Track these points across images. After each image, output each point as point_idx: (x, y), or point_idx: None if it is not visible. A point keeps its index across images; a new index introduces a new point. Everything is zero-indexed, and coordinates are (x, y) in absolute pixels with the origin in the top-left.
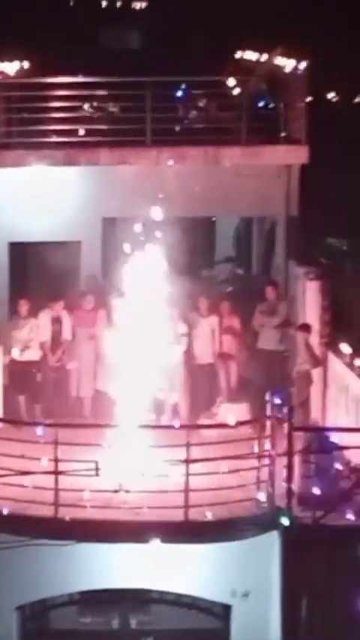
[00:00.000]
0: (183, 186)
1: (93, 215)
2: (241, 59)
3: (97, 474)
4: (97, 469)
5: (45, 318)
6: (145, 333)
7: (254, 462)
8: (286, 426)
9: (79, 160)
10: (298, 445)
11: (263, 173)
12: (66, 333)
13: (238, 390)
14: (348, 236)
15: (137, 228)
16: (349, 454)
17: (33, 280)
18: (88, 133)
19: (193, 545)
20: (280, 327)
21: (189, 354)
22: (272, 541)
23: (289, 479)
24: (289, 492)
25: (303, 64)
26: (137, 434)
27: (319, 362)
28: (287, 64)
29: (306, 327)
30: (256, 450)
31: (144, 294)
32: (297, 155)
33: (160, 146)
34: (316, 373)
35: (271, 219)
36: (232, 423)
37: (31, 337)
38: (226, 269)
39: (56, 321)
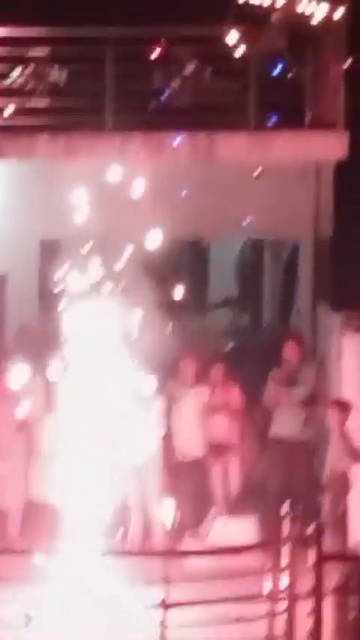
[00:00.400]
0: (161, 192)
1: (25, 237)
2: (248, 3)
3: (26, 624)
4: (28, 620)
5: None
6: (102, 415)
7: (264, 608)
8: (313, 553)
9: (4, 151)
10: (331, 582)
11: (280, 173)
12: None
13: (240, 499)
14: None
15: (92, 256)
16: None
17: None
18: (19, 112)
19: None
20: (304, 405)
21: (168, 443)
22: None
23: (317, 632)
24: None
25: (340, 11)
26: (91, 564)
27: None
28: (317, 10)
29: (342, 406)
30: (267, 589)
31: (100, 356)
32: (330, 146)
33: (125, 132)
34: (358, 474)
35: (292, 244)
36: (231, 547)
37: None
38: (225, 316)
39: None
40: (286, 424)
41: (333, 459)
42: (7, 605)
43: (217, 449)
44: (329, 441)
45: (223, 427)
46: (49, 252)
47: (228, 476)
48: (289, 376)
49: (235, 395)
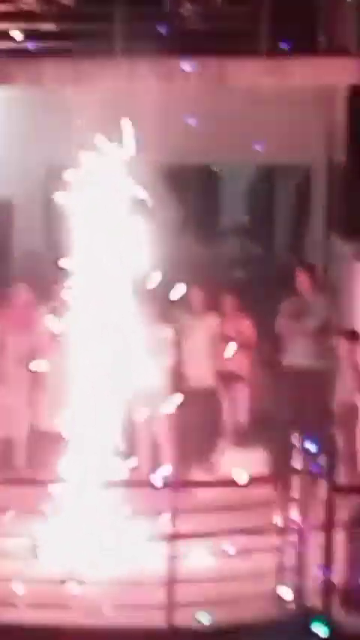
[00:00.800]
0: (170, 118)
1: (33, 163)
2: None
3: (34, 556)
4: (35, 549)
5: None
6: (108, 341)
7: (274, 540)
8: (323, 485)
9: (12, 77)
10: (343, 514)
11: (292, 99)
12: None
13: (250, 430)
14: None
15: (100, 182)
16: None
17: None
18: (27, 36)
19: None
20: (316, 336)
21: (177, 372)
22: None
23: (328, 565)
24: (328, 586)
25: None
26: (97, 495)
27: None
28: None
29: (353, 336)
30: (277, 521)
31: (108, 285)
32: (343, 71)
33: (134, 57)
34: None
35: (305, 170)
36: (240, 479)
37: None
38: (235, 244)
39: None
40: (297, 355)
41: (343, 390)
42: (13, 536)
43: (228, 379)
44: (340, 371)
45: (234, 357)
46: (57, 178)
47: (238, 406)
48: (301, 306)
49: (246, 325)
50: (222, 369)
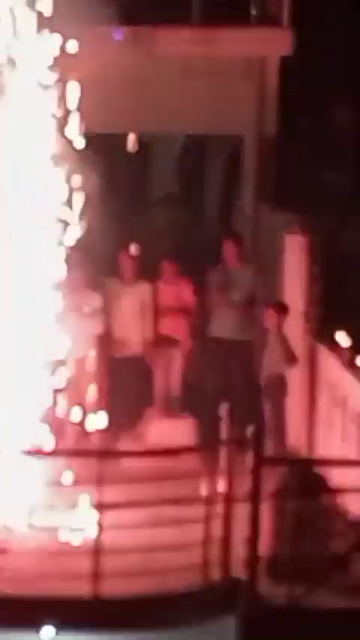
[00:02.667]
0: (97, 85)
1: None
2: None
3: None
4: None
5: None
6: (32, 308)
7: (200, 510)
8: (250, 455)
9: None
10: (269, 485)
11: (224, 69)
12: None
13: (178, 400)
14: (356, 168)
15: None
16: (344, 499)
17: None
18: None
19: (105, 636)
20: (243, 307)
21: (106, 340)
22: (226, 631)
23: (254, 536)
24: (254, 557)
25: None
26: (20, 462)
27: (296, 359)
28: None
29: (281, 308)
30: (203, 491)
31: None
32: (275, 43)
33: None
34: (296, 377)
35: (235, 140)
36: (168, 449)
37: None
38: (165, 214)
39: None
40: (224, 325)
41: (270, 362)
42: None
43: (162, 346)
44: (267, 343)
45: (171, 323)
46: None
47: (169, 375)
48: (228, 276)
49: (185, 291)
50: (158, 335)
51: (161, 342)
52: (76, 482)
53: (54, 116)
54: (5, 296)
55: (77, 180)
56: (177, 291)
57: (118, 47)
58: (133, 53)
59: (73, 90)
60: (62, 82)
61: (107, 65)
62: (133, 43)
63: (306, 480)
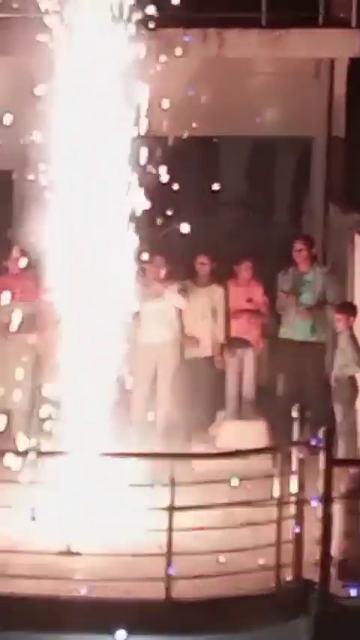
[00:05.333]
0: (169, 88)
1: None
2: None
3: (33, 528)
4: (33, 519)
5: None
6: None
7: (273, 512)
8: (322, 457)
9: None
10: (341, 487)
11: (293, 71)
12: None
13: (251, 401)
14: None
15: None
16: None
17: None
18: None
19: (179, 637)
20: (313, 309)
21: (181, 341)
22: (299, 632)
23: (326, 538)
24: (326, 559)
25: None
26: (95, 464)
27: None
28: None
29: (351, 309)
30: (276, 493)
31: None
32: (343, 43)
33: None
34: None
35: (304, 142)
36: (240, 450)
37: None
38: (235, 217)
39: None
40: (293, 326)
41: (341, 363)
42: (13, 507)
43: (235, 347)
44: (337, 345)
45: (243, 325)
46: None
47: (242, 376)
48: (298, 278)
49: (258, 293)
50: (230, 337)
51: (233, 343)
52: (149, 484)
53: (125, 119)
54: (85, 283)
55: (149, 182)
56: (249, 293)
57: (187, 50)
58: (202, 56)
59: (143, 92)
60: (133, 84)
61: (176, 68)
62: (201, 45)
63: None
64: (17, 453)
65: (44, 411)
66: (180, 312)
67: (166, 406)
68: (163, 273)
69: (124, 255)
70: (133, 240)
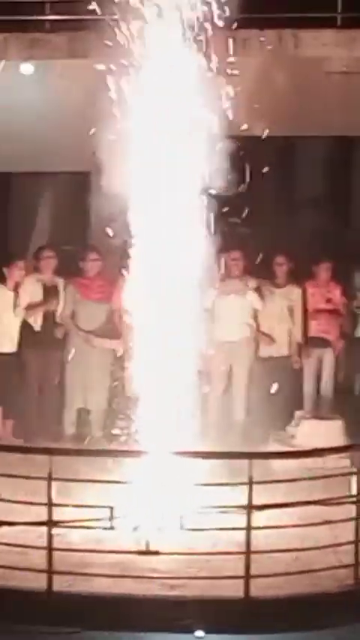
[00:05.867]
0: (242, 87)
1: None
2: None
3: (111, 527)
4: (112, 518)
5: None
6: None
7: (351, 510)
8: None
9: None
10: None
11: None
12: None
13: (330, 400)
14: None
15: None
16: None
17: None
18: None
19: (257, 635)
20: None
21: (258, 340)
22: None
23: None
24: None
25: None
26: (172, 463)
27: None
28: None
29: None
30: (354, 491)
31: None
32: None
33: None
34: None
35: None
36: (317, 449)
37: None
38: (312, 217)
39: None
40: None
41: None
42: (91, 506)
43: (314, 347)
44: None
45: (323, 325)
46: None
47: (322, 375)
48: None
49: (336, 293)
50: (309, 337)
51: (311, 343)
52: (226, 483)
53: (203, 120)
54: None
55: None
56: (328, 294)
57: (262, 50)
58: (278, 56)
59: (223, 92)
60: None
61: (251, 68)
62: (275, 45)
63: None
64: (95, 453)
65: (122, 410)
66: (256, 310)
67: (242, 405)
68: (241, 268)
69: (201, 252)
70: (211, 238)
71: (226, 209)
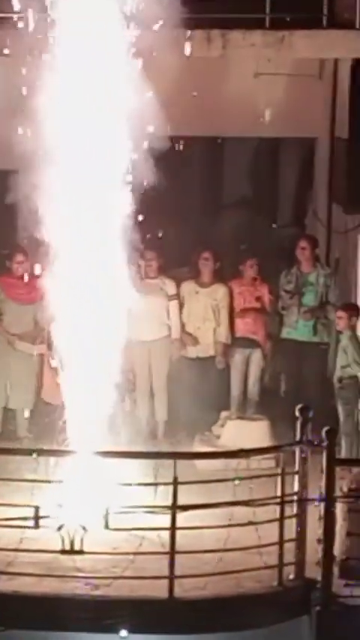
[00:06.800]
0: (170, 88)
1: None
2: None
3: (36, 526)
4: (37, 517)
5: None
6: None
7: (275, 512)
8: (324, 457)
9: None
10: (343, 487)
11: (296, 72)
12: None
13: (256, 401)
14: None
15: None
16: None
17: None
18: None
19: (181, 636)
20: (315, 309)
21: (182, 341)
22: (301, 632)
23: (328, 537)
24: (328, 558)
25: None
26: (97, 463)
27: None
28: None
29: (353, 309)
30: (278, 492)
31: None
32: (347, 45)
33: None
34: None
35: (308, 143)
36: (242, 450)
37: None
38: (239, 217)
39: None
40: (296, 327)
41: (342, 364)
42: (17, 505)
43: (242, 347)
44: (339, 346)
45: (250, 325)
46: None
47: (248, 376)
48: (300, 279)
49: (264, 292)
50: (236, 335)
51: (238, 343)
52: (151, 482)
53: (130, 117)
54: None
55: (152, 181)
56: (256, 292)
57: (192, 50)
58: (206, 56)
59: (147, 91)
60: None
61: (180, 68)
62: (205, 45)
63: None
64: (22, 453)
65: (47, 411)
66: (175, 310)
67: (163, 405)
68: (155, 269)
69: (121, 252)
70: (130, 238)
71: (149, 209)
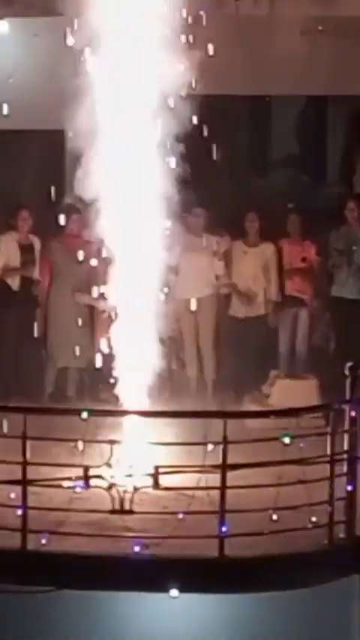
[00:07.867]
0: (219, 49)
1: None
2: None
3: (87, 486)
4: (86, 477)
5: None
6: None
7: (325, 470)
8: None
9: None
10: None
11: (344, 30)
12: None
13: (304, 359)
14: None
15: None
16: None
17: None
18: None
19: (230, 595)
20: None
21: (230, 300)
22: (352, 591)
23: None
24: None
25: None
26: (146, 423)
27: None
28: None
29: None
30: (328, 451)
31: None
32: None
33: None
34: None
35: (356, 100)
36: (292, 409)
37: None
38: (286, 176)
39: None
40: (345, 285)
41: None
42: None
43: (290, 306)
44: None
45: (297, 284)
46: None
47: (296, 334)
48: (350, 238)
49: (310, 251)
50: (283, 296)
51: (286, 302)
52: (202, 442)
53: (170, 77)
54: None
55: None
56: (301, 252)
57: (237, 9)
58: (253, 14)
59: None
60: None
61: (226, 27)
62: (253, 4)
63: None
64: (72, 412)
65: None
66: (225, 267)
67: (211, 364)
68: (202, 225)
69: (168, 210)
70: (178, 197)
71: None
